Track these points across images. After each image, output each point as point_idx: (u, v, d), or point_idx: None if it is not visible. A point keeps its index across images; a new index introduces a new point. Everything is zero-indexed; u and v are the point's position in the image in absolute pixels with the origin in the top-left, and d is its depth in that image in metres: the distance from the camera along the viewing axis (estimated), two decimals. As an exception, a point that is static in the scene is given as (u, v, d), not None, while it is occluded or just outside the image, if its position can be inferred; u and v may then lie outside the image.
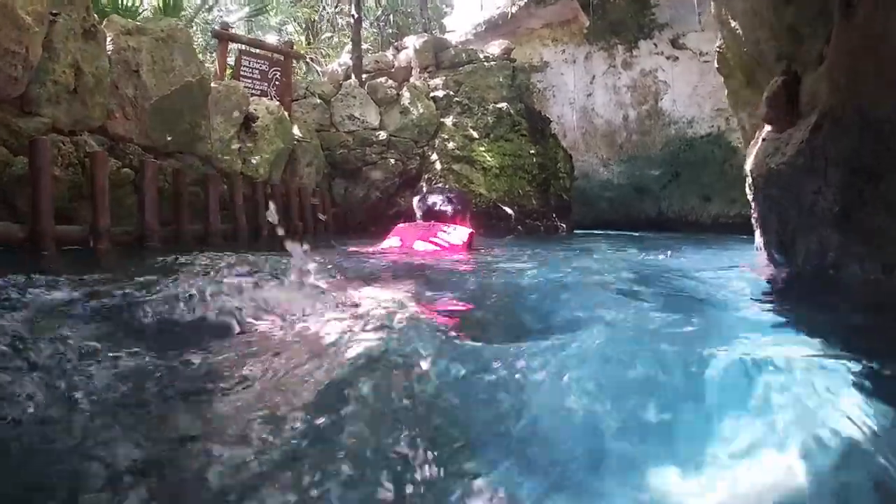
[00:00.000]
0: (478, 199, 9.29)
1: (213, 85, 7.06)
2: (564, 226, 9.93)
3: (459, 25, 15.18)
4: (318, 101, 10.37)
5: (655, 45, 13.21)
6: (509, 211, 8.99)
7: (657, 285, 2.66)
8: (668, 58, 13.18)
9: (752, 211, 3.52)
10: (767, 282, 2.87)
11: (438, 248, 3.65)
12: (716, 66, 4.23)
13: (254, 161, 7.66)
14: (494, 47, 11.19)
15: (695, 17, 12.05)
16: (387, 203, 9.90)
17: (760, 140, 3.13)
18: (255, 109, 7.91)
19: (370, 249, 3.89)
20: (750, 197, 3.49)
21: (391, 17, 16.78)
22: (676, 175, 13.75)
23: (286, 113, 8.94)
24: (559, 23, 14.09)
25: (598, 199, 13.84)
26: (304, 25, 17.41)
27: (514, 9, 13.82)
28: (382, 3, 16.86)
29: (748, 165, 3.40)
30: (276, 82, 9.43)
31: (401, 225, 4.04)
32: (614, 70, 14.01)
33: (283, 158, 8.48)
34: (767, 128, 3.06)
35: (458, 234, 3.77)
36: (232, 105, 7.35)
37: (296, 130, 9.24)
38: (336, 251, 4.25)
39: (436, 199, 4.15)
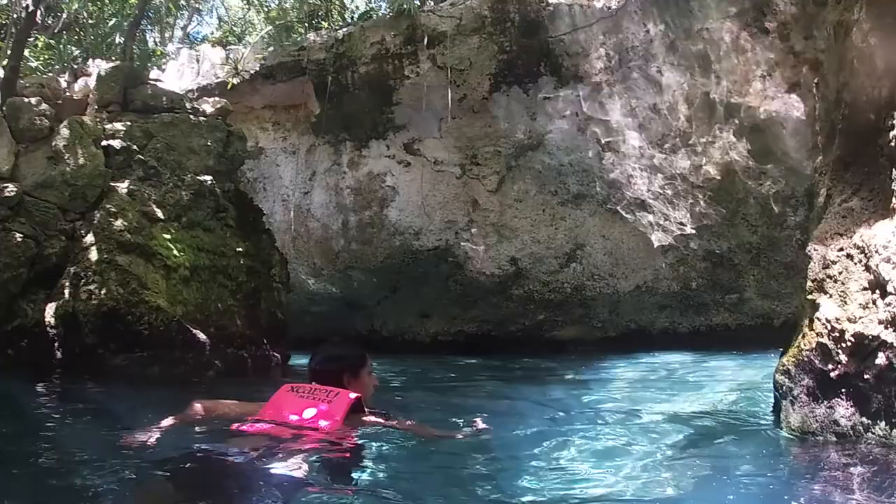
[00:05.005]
0: (153, 317, 6.11)
1: None
2: (279, 356, 7.32)
3: (168, 83, 12.58)
4: None
5: (388, 146, 12.19)
6: (202, 337, 6.02)
7: None
8: (399, 162, 12.24)
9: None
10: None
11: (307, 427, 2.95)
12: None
13: None
14: (207, 104, 8.54)
15: (435, 124, 11.35)
16: (4, 312, 6.14)
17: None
18: None
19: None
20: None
21: (80, 33, 12.63)
22: (394, 290, 12.76)
23: None
24: (285, 106, 12.46)
25: (303, 314, 12.00)
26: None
27: (237, 80, 11.70)
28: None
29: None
30: None
31: (287, 387, 3.20)
32: (338, 168, 12.71)
33: None
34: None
35: (334, 406, 3.04)
36: None
37: None
38: None
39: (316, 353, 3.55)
